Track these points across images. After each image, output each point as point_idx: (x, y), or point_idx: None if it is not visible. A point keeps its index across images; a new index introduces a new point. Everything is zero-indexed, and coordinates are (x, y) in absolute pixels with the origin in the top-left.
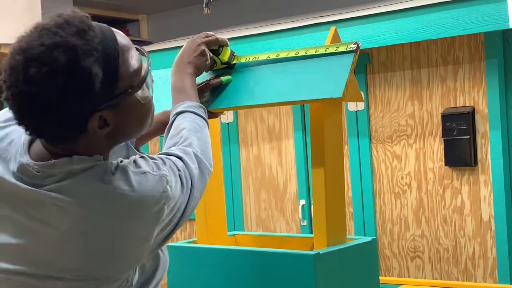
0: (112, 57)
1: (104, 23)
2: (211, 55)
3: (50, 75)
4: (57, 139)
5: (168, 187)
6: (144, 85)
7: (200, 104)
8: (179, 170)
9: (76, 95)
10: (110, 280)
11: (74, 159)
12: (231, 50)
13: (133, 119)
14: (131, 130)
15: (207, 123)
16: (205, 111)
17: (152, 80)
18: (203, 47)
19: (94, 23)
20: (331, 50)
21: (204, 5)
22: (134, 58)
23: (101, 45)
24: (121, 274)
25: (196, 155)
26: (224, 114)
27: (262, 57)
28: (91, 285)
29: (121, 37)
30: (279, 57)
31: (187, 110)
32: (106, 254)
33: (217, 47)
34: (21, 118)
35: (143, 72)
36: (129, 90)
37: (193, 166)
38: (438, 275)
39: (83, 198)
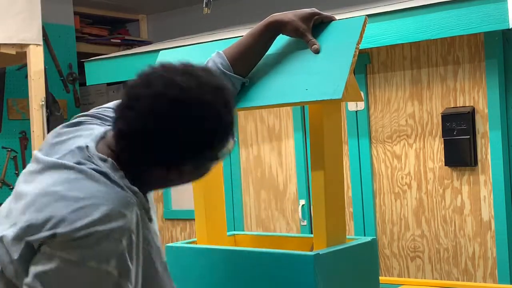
0: (224, 134)
1: (104, 23)
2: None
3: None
4: (134, 161)
5: None
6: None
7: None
8: None
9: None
10: None
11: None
12: None
13: (181, 181)
14: (169, 186)
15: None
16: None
17: None
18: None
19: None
20: None
21: (204, 5)
22: (231, 138)
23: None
24: None
25: None
26: None
27: None
28: None
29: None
30: None
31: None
32: None
33: None
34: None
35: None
36: (215, 160)
37: None
38: (438, 275)
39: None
